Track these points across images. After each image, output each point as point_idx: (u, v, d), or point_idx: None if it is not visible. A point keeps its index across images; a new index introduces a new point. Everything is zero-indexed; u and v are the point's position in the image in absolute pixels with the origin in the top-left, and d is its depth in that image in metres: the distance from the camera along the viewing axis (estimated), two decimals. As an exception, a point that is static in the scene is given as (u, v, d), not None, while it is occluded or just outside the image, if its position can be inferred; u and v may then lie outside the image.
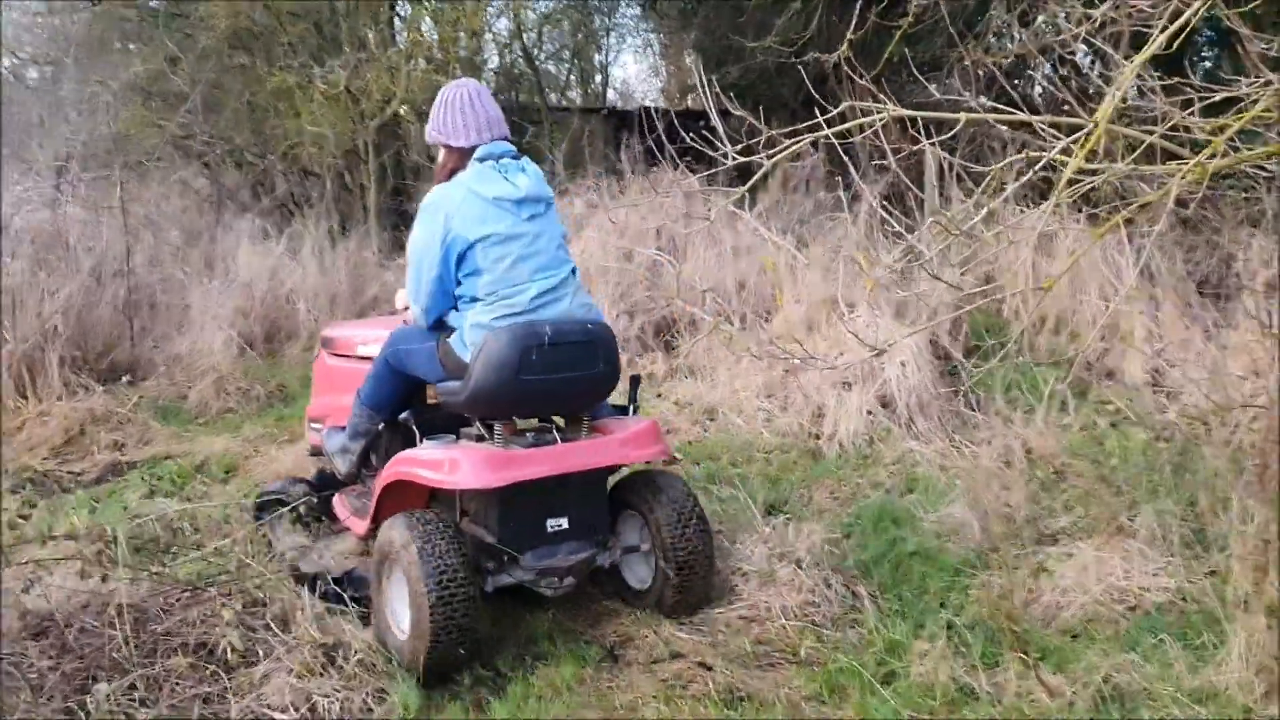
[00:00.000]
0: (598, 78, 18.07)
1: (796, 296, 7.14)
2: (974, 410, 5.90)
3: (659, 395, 6.84)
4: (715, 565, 3.96)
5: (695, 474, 5.48)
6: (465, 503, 3.75)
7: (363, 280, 9.16)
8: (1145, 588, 3.90)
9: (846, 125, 4.04)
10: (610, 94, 18.43)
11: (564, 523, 3.67)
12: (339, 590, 3.85)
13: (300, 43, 10.20)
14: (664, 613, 3.86)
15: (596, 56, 17.51)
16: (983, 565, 4.24)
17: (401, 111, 9.77)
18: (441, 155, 3.84)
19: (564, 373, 3.54)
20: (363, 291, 8.99)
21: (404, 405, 3.98)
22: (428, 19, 10.87)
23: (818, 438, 5.89)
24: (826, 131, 3.51)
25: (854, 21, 5.45)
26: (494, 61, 13.90)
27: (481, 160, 3.70)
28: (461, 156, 3.76)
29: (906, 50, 6.91)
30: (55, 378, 6.48)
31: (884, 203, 8.20)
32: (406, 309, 4.00)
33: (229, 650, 3.34)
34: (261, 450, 6.11)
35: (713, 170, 4.46)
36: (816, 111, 3.65)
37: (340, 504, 4.29)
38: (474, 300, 3.65)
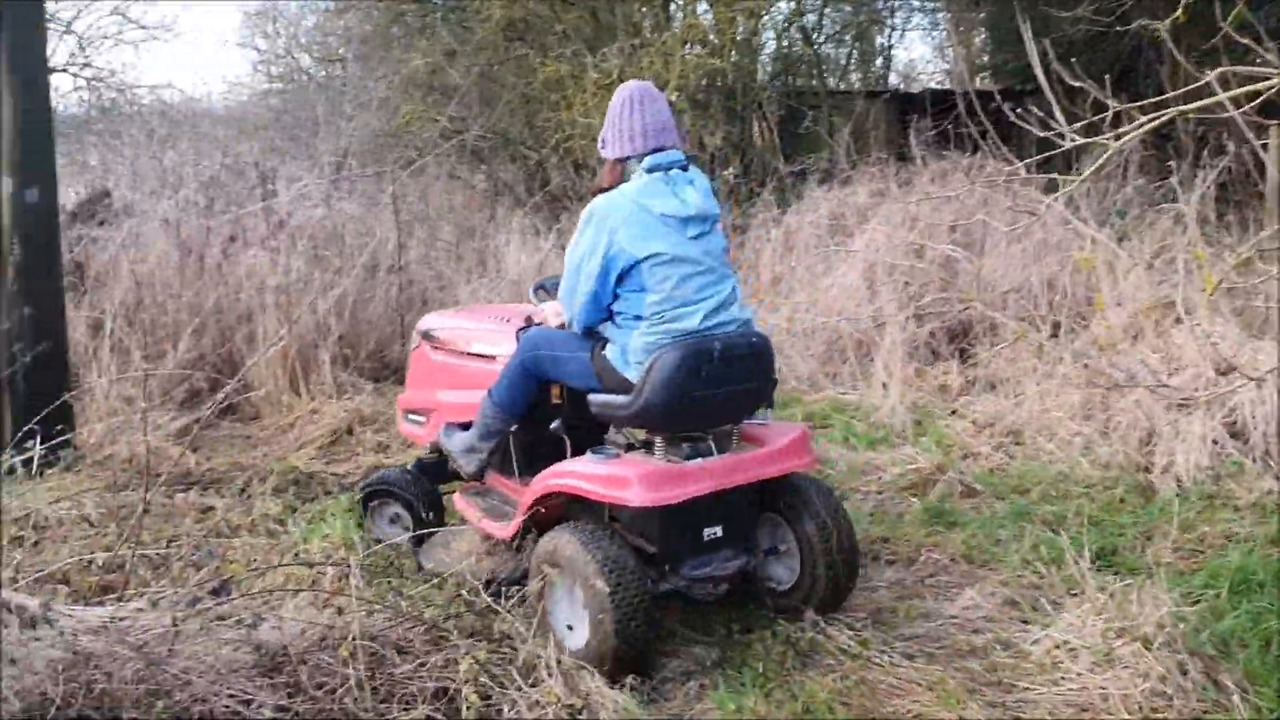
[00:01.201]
0: (879, 60, 17.20)
1: (1117, 299, 6.19)
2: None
3: (954, 412, 6.05)
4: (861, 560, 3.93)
5: (999, 511, 4.71)
6: (615, 511, 3.63)
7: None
8: None
9: (1220, 97, 3.24)
10: (892, 77, 17.54)
11: (719, 531, 3.66)
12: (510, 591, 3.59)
13: (574, 31, 10.01)
14: (815, 609, 3.76)
15: (878, 38, 16.67)
16: (1388, 654, 3.32)
17: (674, 99, 9.37)
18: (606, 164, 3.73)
19: (730, 386, 3.53)
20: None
21: (533, 407, 3.91)
22: (704, 2, 10.45)
23: (1148, 470, 4.98)
24: (1206, 102, 2.76)
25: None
26: (770, 46, 13.37)
27: (650, 171, 3.54)
28: (615, 167, 3.63)
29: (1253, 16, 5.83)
30: (327, 375, 6.48)
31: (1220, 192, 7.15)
32: (561, 325, 3.89)
33: (467, 704, 2.98)
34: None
35: (1043, 156, 3.76)
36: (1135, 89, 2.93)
37: (467, 504, 4.22)
38: (638, 318, 3.53)
